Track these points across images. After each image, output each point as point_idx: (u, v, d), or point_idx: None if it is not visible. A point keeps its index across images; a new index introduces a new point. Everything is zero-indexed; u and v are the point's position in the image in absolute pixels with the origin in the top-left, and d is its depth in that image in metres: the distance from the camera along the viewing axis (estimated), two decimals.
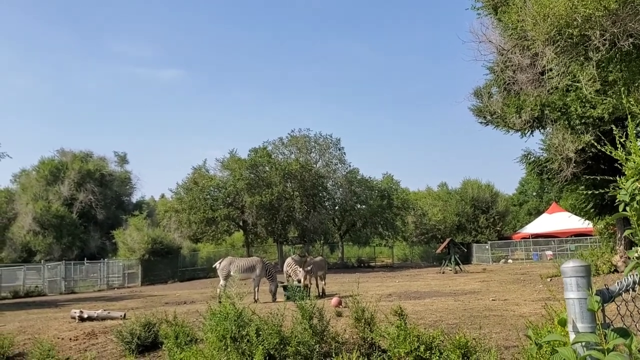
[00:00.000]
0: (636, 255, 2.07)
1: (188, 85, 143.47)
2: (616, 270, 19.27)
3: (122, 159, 58.98)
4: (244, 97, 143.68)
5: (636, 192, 2.58)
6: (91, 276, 37.29)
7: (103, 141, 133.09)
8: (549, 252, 41.78)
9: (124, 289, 34.88)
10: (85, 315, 13.26)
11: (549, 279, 20.16)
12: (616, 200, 2.63)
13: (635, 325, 2.15)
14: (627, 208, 2.27)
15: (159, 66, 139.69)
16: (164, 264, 39.72)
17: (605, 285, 1.97)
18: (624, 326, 2.15)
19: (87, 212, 50.37)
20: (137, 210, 47.74)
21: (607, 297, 1.91)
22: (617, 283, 2.00)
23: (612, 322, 1.99)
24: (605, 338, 1.66)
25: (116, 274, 38.09)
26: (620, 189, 3.96)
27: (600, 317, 1.82)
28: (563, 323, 1.88)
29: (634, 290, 2.05)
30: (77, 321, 13.09)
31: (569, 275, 1.88)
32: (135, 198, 62.98)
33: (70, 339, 11.02)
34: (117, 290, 33.12)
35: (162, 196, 75.13)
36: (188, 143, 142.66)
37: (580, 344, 1.72)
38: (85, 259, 38.72)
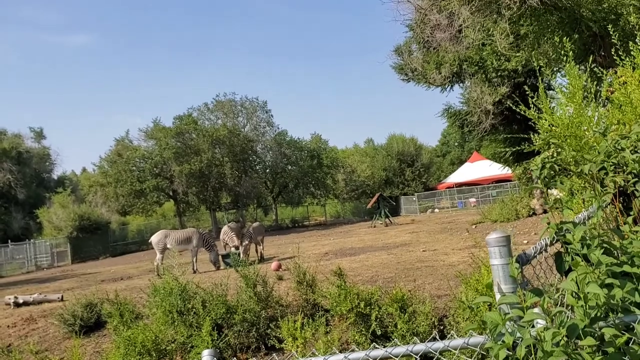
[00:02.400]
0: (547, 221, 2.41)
1: (102, 50, 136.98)
2: (534, 214, 20.59)
3: (39, 135, 56.21)
4: (163, 61, 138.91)
5: (546, 160, 2.94)
6: (17, 258, 35.88)
7: (16, 117, 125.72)
8: (473, 199, 43.88)
9: (54, 268, 33.83)
10: (21, 301, 12.96)
11: (473, 226, 21.30)
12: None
13: (549, 280, 2.52)
14: (539, 180, 2.62)
15: (69, 32, 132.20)
16: (93, 240, 38.73)
17: (522, 251, 2.30)
18: (540, 283, 2.52)
19: (6, 192, 47.93)
20: (60, 187, 45.90)
21: (524, 260, 2.24)
22: (532, 248, 2.34)
23: (530, 281, 2.35)
24: (524, 297, 1.99)
25: (44, 254, 36.82)
26: (533, 143, 4.39)
27: (520, 278, 2.15)
28: (490, 286, 2.21)
29: (546, 251, 2.40)
30: (12, 307, 12.77)
31: (492, 245, 2.20)
32: (56, 174, 60.53)
33: (8, 326, 10.80)
34: (47, 271, 32.11)
35: (84, 170, 72.50)
36: (107, 113, 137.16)
37: (505, 304, 2.05)
38: (10, 241, 37.13)
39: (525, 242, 14.18)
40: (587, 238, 2.28)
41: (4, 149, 49.53)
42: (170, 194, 43.13)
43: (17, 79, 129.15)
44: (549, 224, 2.40)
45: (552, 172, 2.92)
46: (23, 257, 36.08)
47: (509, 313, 2.01)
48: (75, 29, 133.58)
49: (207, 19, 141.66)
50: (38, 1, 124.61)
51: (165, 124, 43.39)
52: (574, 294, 1.99)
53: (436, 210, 45.04)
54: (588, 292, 1.93)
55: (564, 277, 2.38)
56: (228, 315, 7.71)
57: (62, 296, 13.25)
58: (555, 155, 3.08)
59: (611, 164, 2.85)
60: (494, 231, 2.24)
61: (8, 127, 60.67)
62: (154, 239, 17.01)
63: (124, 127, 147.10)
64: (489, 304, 5.49)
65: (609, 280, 2.04)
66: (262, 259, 18.12)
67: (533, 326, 1.99)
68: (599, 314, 1.97)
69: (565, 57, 4.36)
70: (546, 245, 2.39)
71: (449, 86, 23.65)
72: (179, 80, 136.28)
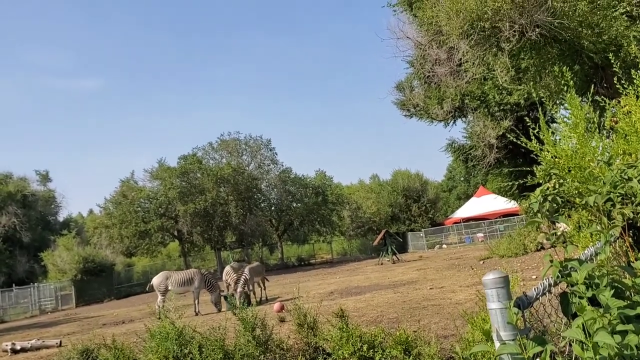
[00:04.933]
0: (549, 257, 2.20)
1: (108, 94, 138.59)
2: (542, 248, 20.22)
3: (45, 178, 56.47)
4: (168, 103, 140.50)
5: (547, 192, 2.73)
6: (21, 302, 35.54)
7: (22, 160, 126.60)
8: (480, 234, 43.35)
9: (58, 312, 33.43)
10: (18, 347, 12.65)
11: (481, 262, 20.91)
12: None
13: (554, 324, 2.29)
14: (539, 214, 2.41)
15: (76, 75, 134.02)
16: (98, 283, 38.36)
17: (523, 292, 2.08)
18: (543, 327, 2.29)
19: (11, 235, 47.82)
20: (65, 230, 45.84)
21: (525, 303, 2.02)
22: (534, 289, 2.12)
23: (532, 326, 2.11)
24: (525, 347, 1.77)
25: (48, 297, 36.45)
26: (536, 175, 4.18)
27: (521, 324, 1.92)
28: (487, 334, 1.98)
29: (550, 292, 2.18)
30: (9, 354, 12.46)
31: (490, 287, 1.98)
32: (62, 217, 60.55)
33: None
34: (51, 315, 31.72)
35: (91, 212, 72.50)
36: (113, 155, 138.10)
37: (504, 354, 1.82)
38: (14, 284, 36.85)
39: (534, 277, 13.83)
40: (595, 277, 2.06)
41: (9, 192, 49.68)
42: (175, 234, 42.91)
43: (24, 123, 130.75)
44: (552, 261, 2.19)
45: (555, 205, 2.71)
46: (27, 301, 35.76)
47: None
48: (82, 74, 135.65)
49: (210, 59, 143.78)
50: (48, 46, 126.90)
51: (170, 164, 43.52)
52: (581, 343, 1.77)
53: (444, 246, 44.49)
54: (597, 341, 1.71)
55: (570, 320, 2.16)
56: None
57: (60, 342, 12.94)
58: (557, 187, 2.88)
59: (618, 194, 2.65)
60: (491, 271, 2.02)
61: (14, 170, 61.09)
62: (155, 281, 16.76)
63: (130, 168, 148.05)
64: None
65: (621, 327, 1.80)
66: (265, 300, 17.76)
67: None
68: None
69: (566, 87, 4.22)
70: (549, 285, 2.17)
71: (452, 121, 23.63)
72: (184, 121, 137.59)
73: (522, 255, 20.16)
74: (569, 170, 3.41)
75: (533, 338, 1.79)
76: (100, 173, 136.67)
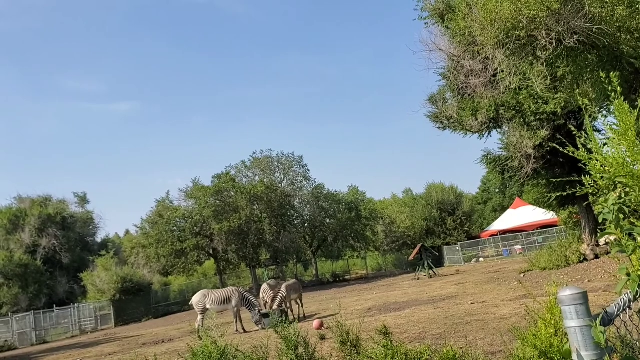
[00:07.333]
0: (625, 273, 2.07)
1: (143, 116, 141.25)
2: (585, 259, 19.66)
3: (83, 200, 57.60)
4: (201, 123, 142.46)
5: (615, 201, 2.60)
6: (62, 323, 36.18)
7: (61, 183, 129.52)
8: (518, 247, 42.46)
9: (98, 332, 33.91)
10: None
11: (522, 275, 20.44)
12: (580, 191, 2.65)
13: (637, 343, 2.15)
14: (612, 225, 2.28)
15: (112, 100, 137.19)
16: (136, 302, 38.86)
17: (603, 309, 1.95)
18: (628, 346, 2.15)
19: (51, 257, 48.88)
20: (104, 250, 46.58)
21: (607, 321, 1.90)
22: (614, 305, 1.99)
23: (614, 345, 1.99)
24: None
25: (88, 317, 37.05)
26: (582, 185, 4.01)
27: (604, 343, 1.80)
28: (568, 354, 1.86)
29: (630, 308, 2.05)
30: None
31: (567, 303, 1.86)
32: (100, 237, 61.49)
33: None
34: (91, 335, 32.17)
35: (127, 232, 73.69)
36: (149, 176, 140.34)
37: None
38: (55, 305, 37.56)
39: None
40: None
41: (49, 214, 50.82)
42: (211, 252, 43.21)
43: (63, 146, 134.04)
44: (629, 275, 2.06)
45: (622, 215, 2.58)
46: (68, 321, 36.39)
47: None
48: (117, 97, 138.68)
49: (242, 79, 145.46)
50: (84, 72, 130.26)
51: (204, 183, 43.99)
52: None
53: (481, 259, 43.71)
54: None
55: None
56: None
57: None
58: (623, 196, 2.74)
59: None
60: (568, 287, 1.91)
61: (53, 192, 62.32)
62: (195, 299, 16.84)
63: (165, 188, 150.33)
64: None
65: None
66: (303, 317, 17.64)
67: None
68: None
69: (613, 93, 4.05)
70: (629, 300, 2.04)
71: (487, 132, 23.21)
72: (217, 140, 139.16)
73: (564, 267, 19.61)
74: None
75: (625, 358, 1.66)
76: (136, 194, 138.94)
